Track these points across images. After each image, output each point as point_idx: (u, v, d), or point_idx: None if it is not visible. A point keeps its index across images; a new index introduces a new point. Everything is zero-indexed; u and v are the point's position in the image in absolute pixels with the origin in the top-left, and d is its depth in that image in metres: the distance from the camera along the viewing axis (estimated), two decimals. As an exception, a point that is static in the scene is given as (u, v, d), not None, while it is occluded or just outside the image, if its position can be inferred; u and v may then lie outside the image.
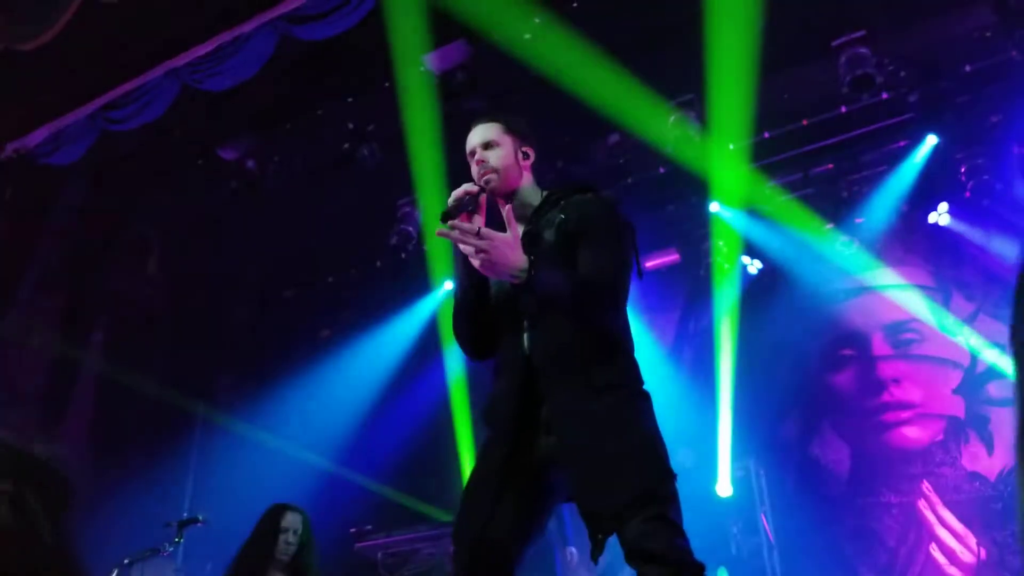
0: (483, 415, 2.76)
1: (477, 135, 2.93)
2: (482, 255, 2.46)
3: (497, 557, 2.56)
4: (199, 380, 8.67)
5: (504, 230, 2.59)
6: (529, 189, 2.92)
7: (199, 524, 4.81)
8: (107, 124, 6.68)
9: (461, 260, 2.66)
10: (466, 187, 2.72)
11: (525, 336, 2.67)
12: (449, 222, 2.52)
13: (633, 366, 2.71)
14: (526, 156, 2.94)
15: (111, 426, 8.07)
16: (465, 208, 2.67)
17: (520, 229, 2.78)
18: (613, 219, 2.82)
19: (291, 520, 4.76)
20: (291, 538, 4.70)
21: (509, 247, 2.49)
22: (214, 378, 9.12)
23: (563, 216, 2.77)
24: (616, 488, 2.42)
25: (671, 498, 2.50)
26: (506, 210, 2.65)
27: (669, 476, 2.52)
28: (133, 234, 8.28)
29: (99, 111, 6.72)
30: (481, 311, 2.79)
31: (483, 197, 2.75)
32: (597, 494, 2.45)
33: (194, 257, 8.71)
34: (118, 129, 6.71)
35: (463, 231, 2.47)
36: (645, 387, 2.70)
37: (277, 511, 4.80)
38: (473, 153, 2.90)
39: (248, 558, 4.71)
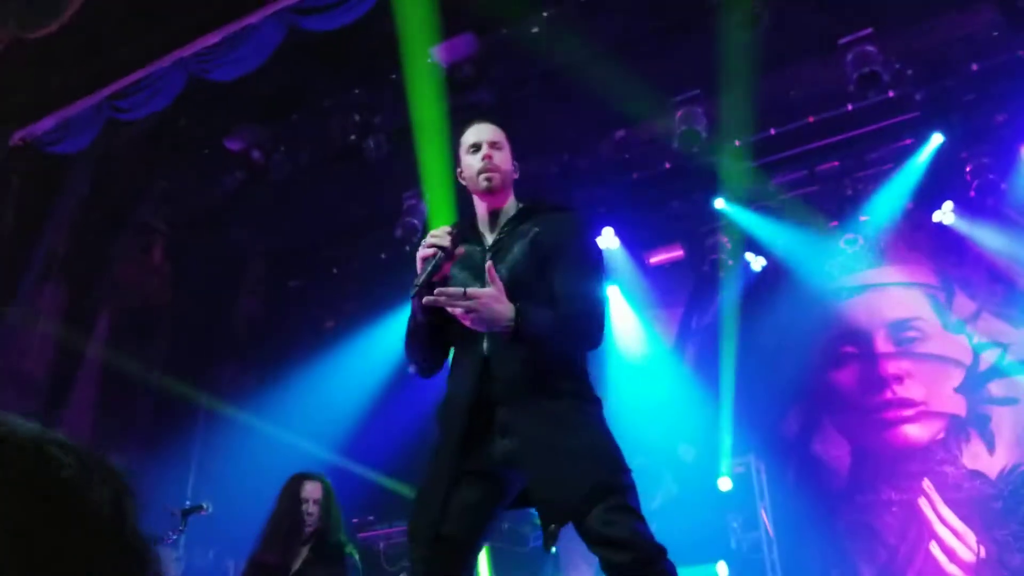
0: (436, 414, 2.81)
1: (487, 131, 2.94)
2: (472, 314, 2.51)
3: (453, 554, 2.64)
4: (202, 369, 8.69)
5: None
6: (512, 200, 2.97)
7: (203, 513, 4.81)
8: (114, 113, 6.68)
9: (416, 297, 2.68)
10: (432, 242, 2.70)
11: (484, 341, 2.70)
12: (436, 291, 2.52)
13: (587, 376, 2.80)
14: (516, 169, 2.99)
15: (114, 414, 8.10)
16: (439, 268, 2.70)
17: (491, 239, 2.87)
18: (594, 244, 2.92)
19: (310, 490, 4.73)
20: (312, 508, 4.67)
21: (496, 301, 2.53)
22: (217, 368, 9.14)
23: (537, 229, 2.79)
24: (576, 480, 2.50)
25: (629, 488, 2.57)
26: (488, 266, 2.63)
27: (625, 469, 2.60)
28: (138, 223, 8.30)
29: (106, 100, 6.73)
30: (437, 334, 2.85)
31: (451, 239, 2.73)
32: (556, 486, 2.52)
33: (199, 247, 8.72)
34: (125, 118, 6.72)
35: (449, 296, 2.50)
36: (598, 396, 2.79)
37: (295, 482, 4.76)
38: (479, 146, 2.90)
39: (275, 535, 4.64)
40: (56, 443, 0.61)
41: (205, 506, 4.82)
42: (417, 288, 2.64)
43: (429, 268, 2.66)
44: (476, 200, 2.96)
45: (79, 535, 0.57)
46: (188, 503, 5.35)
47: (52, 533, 0.56)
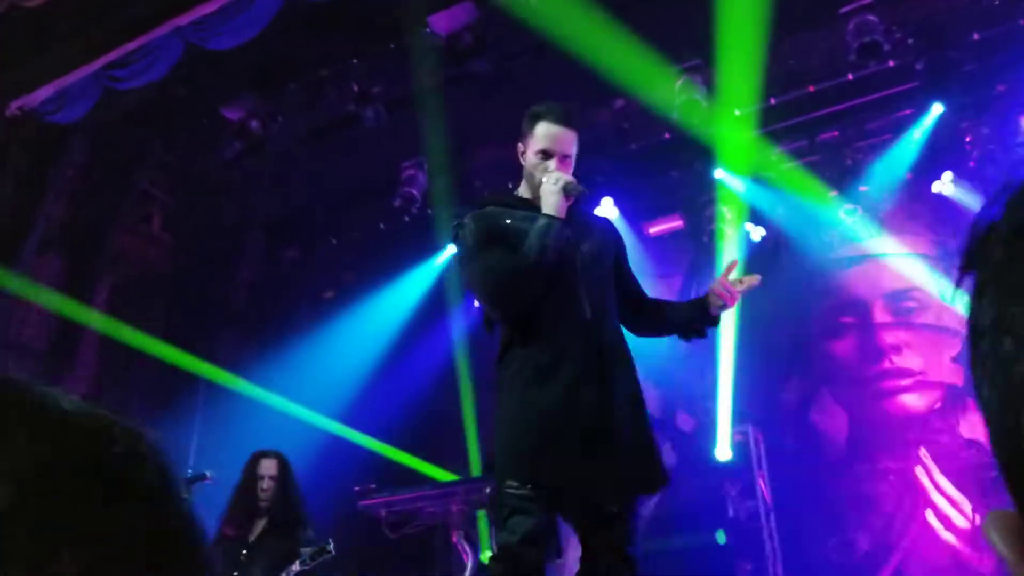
0: (542, 374, 2.68)
1: (573, 143, 2.88)
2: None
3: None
4: (202, 339, 8.71)
5: None
6: None
7: (206, 481, 4.88)
8: (111, 83, 6.65)
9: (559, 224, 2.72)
10: (569, 181, 2.81)
11: (586, 305, 2.76)
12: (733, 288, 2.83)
13: None
14: None
15: (114, 384, 8.14)
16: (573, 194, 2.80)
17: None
18: None
19: (265, 466, 4.92)
20: (266, 484, 4.86)
21: None
22: (217, 337, 9.16)
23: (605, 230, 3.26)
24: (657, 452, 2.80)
25: None
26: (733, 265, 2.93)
27: None
28: (137, 193, 8.28)
29: (103, 69, 6.70)
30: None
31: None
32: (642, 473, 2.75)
33: (198, 217, 8.72)
34: (122, 87, 6.69)
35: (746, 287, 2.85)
36: None
37: (253, 459, 4.99)
38: (549, 155, 2.84)
39: (234, 509, 4.90)
40: (108, 420, 0.62)
41: (208, 474, 4.88)
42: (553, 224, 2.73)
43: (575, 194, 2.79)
44: (528, 192, 2.96)
45: (140, 514, 0.59)
46: (190, 471, 5.40)
47: (113, 512, 0.58)
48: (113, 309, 8.03)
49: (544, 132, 2.84)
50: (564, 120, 2.86)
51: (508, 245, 2.75)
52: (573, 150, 2.87)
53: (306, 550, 4.71)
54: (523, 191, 2.95)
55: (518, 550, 2.49)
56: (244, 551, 4.80)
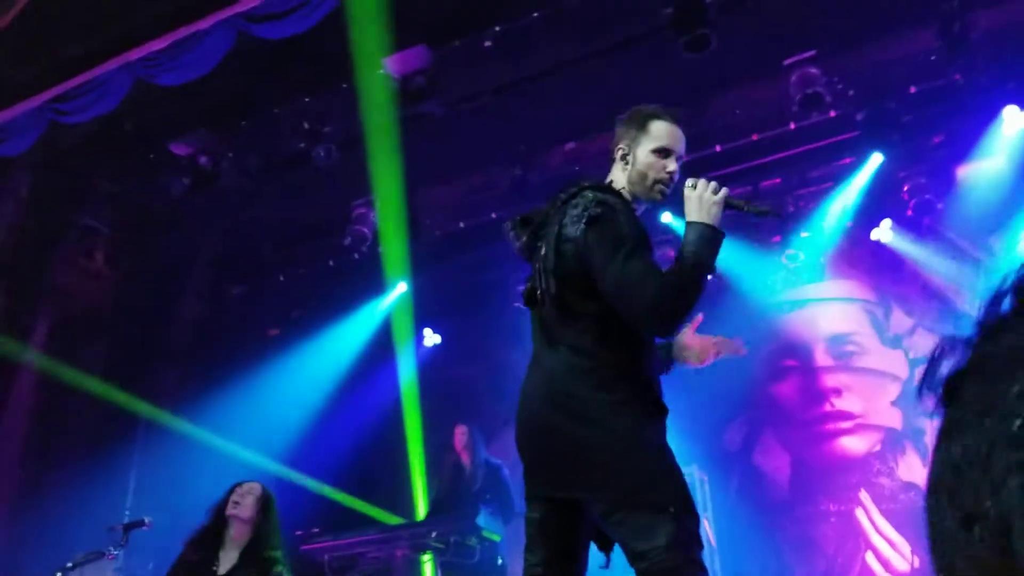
0: (646, 394, 2.57)
1: (683, 144, 2.78)
2: None
3: None
4: (143, 378, 8.54)
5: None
6: None
7: (144, 527, 4.73)
8: (57, 116, 6.56)
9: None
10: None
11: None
12: None
13: None
14: None
15: (51, 423, 7.92)
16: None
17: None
18: None
19: (243, 485, 4.65)
20: (239, 498, 4.55)
21: None
22: (159, 376, 8.99)
23: None
24: None
25: None
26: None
27: None
28: (80, 227, 8.14)
29: (48, 103, 6.60)
30: None
31: None
32: None
33: (142, 252, 8.59)
34: (68, 121, 6.60)
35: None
36: None
37: (234, 484, 4.69)
38: (669, 153, 2.72)
39: (203, 532, 4.55)
40: None
41: (146, 520, 4.74)
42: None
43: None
44: (630, 189, 2.72)
45: None
46: (128, 514, 5.27)
47: None
48: (52, 345, 7.84)
49: (664, 130, 2.71)
50: (679, 121, 2.78)
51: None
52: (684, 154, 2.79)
53: None
54: (619, 185, 2.74)
55: None
56: None
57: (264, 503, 4.63)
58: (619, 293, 2.45)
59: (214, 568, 4.47)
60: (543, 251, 2.62)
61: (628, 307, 2.46)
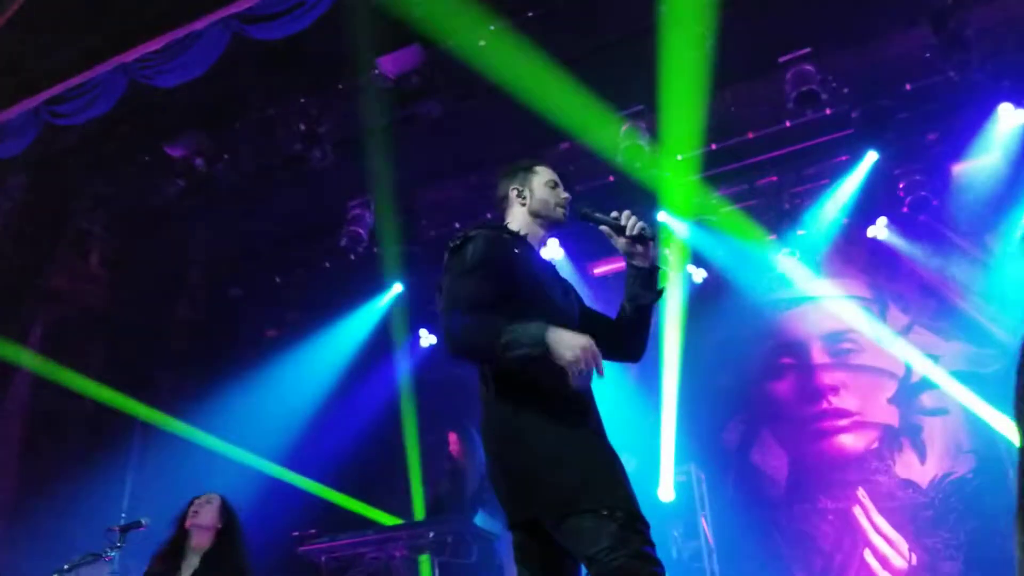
0: (580, 409, 2.76)
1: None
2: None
3: None
4: (139, 379, 8.52)
5: None
6: None
7: (141, 528, 4.74)
8: (52, 118, 6.55)
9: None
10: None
11: None
12: None
13: None
14: None
15: (47, 425, 7.91)
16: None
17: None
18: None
19: (203, 496, 4.73)
20: (198, 508, 4.62)
21: None
22: (155, 378, 8.97)
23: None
24: None
25: None
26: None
27: None
28: (75, 229, 8.12)
29: (43, 105, 6.59)
30: None
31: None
32: None
33: (138, 254, 8.57)
34: (63, 123, 6.59)
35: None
36: None
37: (193, 497, 4.77)
38: (558, 184, 3.11)
39: (166, 544, 4.63)
40: None
41: (143, 521, 4.76)
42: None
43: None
44: (529, 221, 3.04)
45: None
46: (124, 516, 5.27)
47: None
48: (48, 348, 7.83)
49: (547, 170, 3.12)
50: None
51: (504, 290, 2.70)
52: None
53: None
54: (516, 226, 3.05)
55: None
56: None
57: (224, 511, 4.72)
58: (442, 302, 2.70)
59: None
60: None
61: (440, 315, 2.68)
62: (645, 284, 2.99)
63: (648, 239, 2.95)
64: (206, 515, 4.69)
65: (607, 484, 2.58)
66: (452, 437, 6.63)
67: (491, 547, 5.75)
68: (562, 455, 2.60)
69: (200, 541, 4.65)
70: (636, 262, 2.99)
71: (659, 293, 3.00)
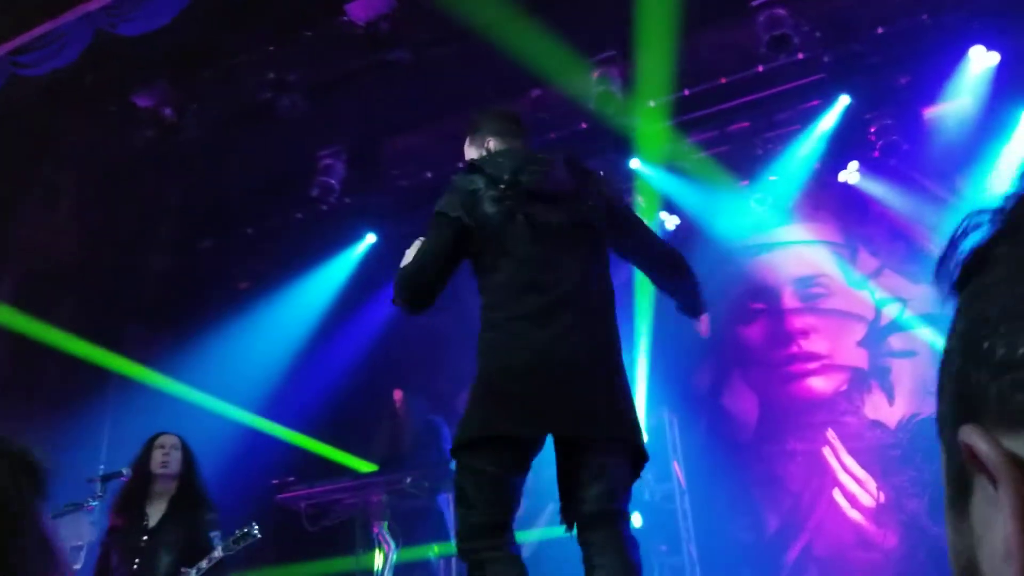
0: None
1: None
2: None
3: None
4: (113, 331, 8.49)
5: None
6: None
7: (122, 478, 4.77)
8: (16, 69, 6.43)
9: None
10: None
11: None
12: None
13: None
14: None
15: (21, 378, 7.88)
16: None
17: None
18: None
19: (164, 439, 4.74)
20: (162, 456, 4.65)
21: None
22: (128, 329, 8.94)
23: None
24: None
25: None
26: None
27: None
28: (43, 181, 8.02)
29: (7, 55, 6.46)
30: None
31: None
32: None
33: (107, 205, 8.48)
34: (27, 74, 6.47)
35: None
36: None
37: (149, 440, 4.77)
38: None
39: (126, 495, 4.64)
40: None
41: (124, 471, 4.79)
42: None
43: None
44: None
45: None
46: (103, 467, 5.28)
47: None
48: (19, 301, 7.77)
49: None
50: None
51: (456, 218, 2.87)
52: None
53: (216, 533, 4.59)
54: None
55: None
56: (144, 537, 4.52)
57: (187, 454, 4.74)
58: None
59: (145, 523, 4.56)
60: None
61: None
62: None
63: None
64: (175, 462, 4.70)
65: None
66: (397, 395, 6.75)
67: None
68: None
69: (166, 486, 4.66)
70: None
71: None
